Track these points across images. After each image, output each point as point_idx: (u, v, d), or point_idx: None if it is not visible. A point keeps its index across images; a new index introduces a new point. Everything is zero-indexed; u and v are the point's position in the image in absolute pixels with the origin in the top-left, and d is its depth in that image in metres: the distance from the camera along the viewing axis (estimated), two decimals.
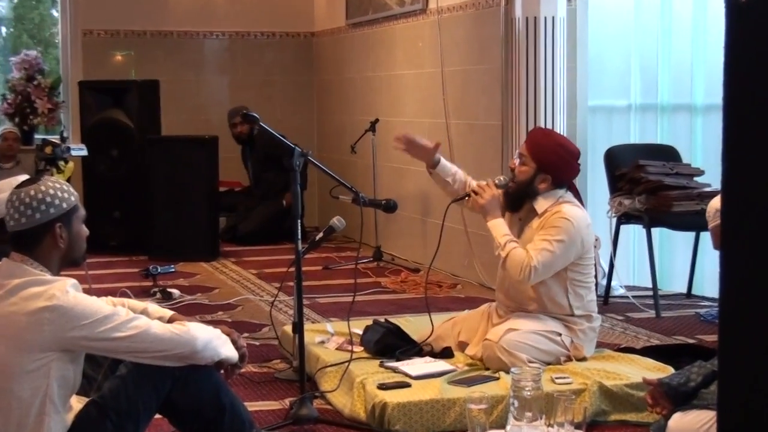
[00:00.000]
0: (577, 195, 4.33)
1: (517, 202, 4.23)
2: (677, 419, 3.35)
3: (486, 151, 6.42)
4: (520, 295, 4.25)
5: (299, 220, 4.15)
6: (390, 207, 4.82)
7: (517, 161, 4.29)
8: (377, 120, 7.64)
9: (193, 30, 9.14)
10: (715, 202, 3.41)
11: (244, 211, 8.56)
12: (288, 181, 4.11)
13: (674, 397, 3.41)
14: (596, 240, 4.87)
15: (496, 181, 4.25)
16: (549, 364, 4.08)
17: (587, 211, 4.37)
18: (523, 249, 4.05)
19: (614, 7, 6.59)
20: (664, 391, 3.43)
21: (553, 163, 4.23)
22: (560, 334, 4.17)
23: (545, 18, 5.87)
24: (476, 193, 4.23)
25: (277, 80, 9.24)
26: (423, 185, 7.35)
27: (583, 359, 4.19)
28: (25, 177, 3.15)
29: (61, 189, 2.92)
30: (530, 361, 3.99)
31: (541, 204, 4.20)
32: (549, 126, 5.68)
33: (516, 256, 4.03)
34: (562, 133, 5.36)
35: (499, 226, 4.14)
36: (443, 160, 4.49)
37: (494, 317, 4.36)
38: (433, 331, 4.40)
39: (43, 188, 2.88)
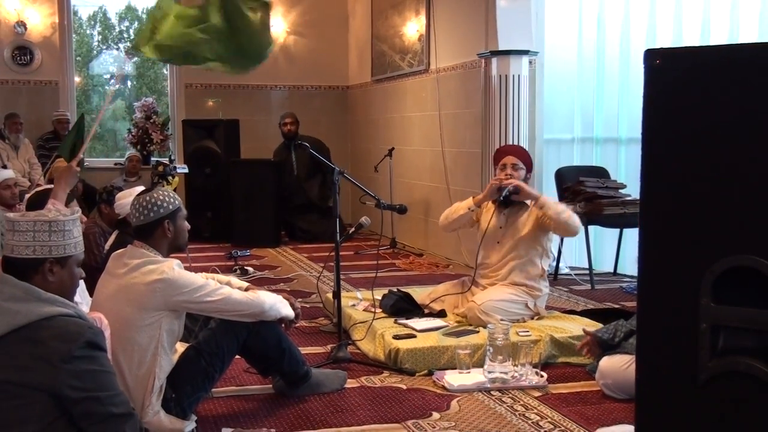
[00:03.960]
0: None
1: (518, 199, 4.19)
2: (606, 361, 3.35)
3: (470, 170, 6.41)
4: (520, 256, 4.18)
5: (337, 218, 4.16)
6: (402, 210, 4.80)
7: (512, 171, 4.20)
8: (393, 148, 7.64)
9: (263, 84, 9.16)
10: None
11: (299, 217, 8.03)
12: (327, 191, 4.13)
13: (601, 345, 3.42)
14: None
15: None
16: (516, 321, 4.07)
17: None
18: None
19: (562, 67, 6.57)
20: (596, 341, 3.44)
21: (531, 163, 4.31)
22: (526, 301, 4.15)
23: (513, 75, 5.85)
24: (515, 190, 4.10)
25: (322, 120, 9.24)
26: (425, 195, 7.34)
27: (540, 318, 4.18)
28: (141, 188, 3.16)
29: (168, 195, 2.93)
30: (501, 320, 3.98)
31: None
32: None
33: (574, 215, 4.11)
34: None
35: (551, 198, 4.15)
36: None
37: (474, 288, 4.33)
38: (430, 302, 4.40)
39: (155, 195, 2.90)
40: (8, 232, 2.04)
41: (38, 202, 3.66)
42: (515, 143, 5.77)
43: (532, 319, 4.16)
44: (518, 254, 4.20)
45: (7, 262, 2.04)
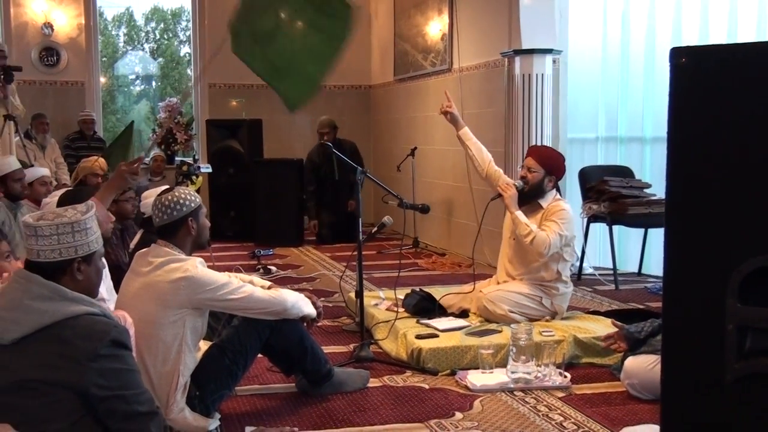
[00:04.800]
0: (559, 192, 4.33)
1: (529, 199, 4.18)
2: (631, 360, 3.33)
3: None
4: (527, 263, 4.17)
5: (359, 219, 4.16)
6: (424, 209, 4.80)
7: (526, 171, 4.20)
8: (416, 148, 7.63)
9: None
10: None
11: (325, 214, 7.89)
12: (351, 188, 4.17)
13: (629, 339, 3.41)
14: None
15: (516, 184, 4.20)
16: (531, 318, 4.05)
17: None
18: (542, 231, 4.03)
19: (586, 66, 6.52)
20: (624, 334, 3.43)
21: (556, 166, 4.23)
22: (540, 298, 4.13)
23: (537, 75, 5.82)
24: (501, 193, 4.18)
25: (345, 119, 9.23)
26: (448, 195, 7.33)
27: (563, 318, 4.16)
28: (164, 188, 3.17)
29: (188, 194, 2.95)
30: (510, 311, 3.97)
31: (545, 201, 4.18)
32: None
33: (540, 237, 4.02)
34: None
35: (522, 216, 4.10)
36: (466, 130, 4.44)
37: (493, 284, 4.32)
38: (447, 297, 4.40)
39: (176, 194, 2.92)
40: (30, 237, 2.05)
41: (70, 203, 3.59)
42: (538, 143, 5.74)
43: (553, 318, 4.14)
44: (530, 258, 4.16)
45: (35, 265, 2.06)
